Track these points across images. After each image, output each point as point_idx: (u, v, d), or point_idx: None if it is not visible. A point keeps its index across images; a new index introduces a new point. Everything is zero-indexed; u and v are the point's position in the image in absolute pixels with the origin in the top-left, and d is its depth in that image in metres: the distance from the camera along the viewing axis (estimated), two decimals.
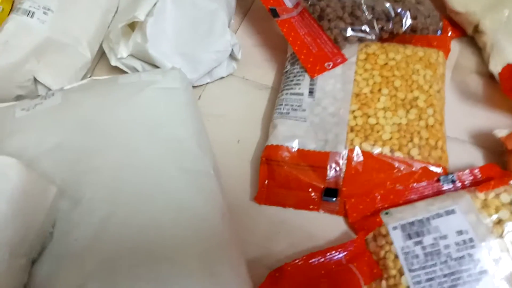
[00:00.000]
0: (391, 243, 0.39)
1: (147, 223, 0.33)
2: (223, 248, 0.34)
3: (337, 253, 0.39)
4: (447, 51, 0.50)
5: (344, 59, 0.46)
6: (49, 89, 0.47)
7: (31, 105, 0.39)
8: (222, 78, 0.53)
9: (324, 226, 0.43)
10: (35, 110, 0.38)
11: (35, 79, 0.48)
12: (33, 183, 0.29)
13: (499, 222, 0.37)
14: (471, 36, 0.53)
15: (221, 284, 0.32)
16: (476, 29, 0.51)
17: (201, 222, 0.34)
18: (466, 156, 0.45)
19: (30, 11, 0.48)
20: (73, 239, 0.31)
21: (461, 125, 0.47)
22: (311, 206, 0.43)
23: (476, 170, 0.42)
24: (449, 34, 0.52)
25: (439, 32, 0.52)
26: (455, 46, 0.53)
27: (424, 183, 0.42)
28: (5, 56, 0.46)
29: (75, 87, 0.41)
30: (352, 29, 0.47)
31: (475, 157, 0.45)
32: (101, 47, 0.52)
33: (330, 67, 0.46)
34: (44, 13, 0.48)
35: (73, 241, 0.31)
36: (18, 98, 0.47)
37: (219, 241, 0.34)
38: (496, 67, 0.48)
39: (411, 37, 0.50)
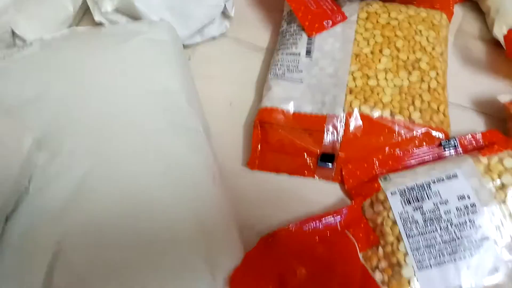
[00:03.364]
0: (389, 209, 0.37)
1: (132, 179, 0.31)
2: (214, 208, 0.31)
3: (332, 218, 0.38)
4: (450, 14, 0.47)
5: (344, 17, 0.44)
6: None
7: (7, 53, 0.36)
8: (213, 38, 0.50)
9: (319, 193, 0.41)
10: (12, 59, 0.35)
11: (13, 32, 0.45)
12: (7, 130, 0.27)
13: (502, 187, 0.36)
14: (474, 0, 0.51)
15: (212, 246, 0.30)
16: None
17: (191, 180, 0.32)
18: (467, 123, 0.44)
19: None
20: (51, 193, 0.28)
21: (463, 91, 0.46)
22: (306, 172, 0.41)
23: (478, 135, 0.40)
24: None
25: None
26: (458, 11, 0.51)
27: (424, 148, 0.40)
28: None
29: (56, 36, 0.38)
30: None
31: (477, 124, 0.44)
32: (85, 1, 0.49)
33: (329, 25, 0.43)
34: None
35: (50, 196, 0.28)
36: None
37: (210, 201, 0.32)
38: (501, 31, 0.46)
39: None
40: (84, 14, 0.51)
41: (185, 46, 0.48)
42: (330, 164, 0.41)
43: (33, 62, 0.35)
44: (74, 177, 0.30)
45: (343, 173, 0.41)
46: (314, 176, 0.41)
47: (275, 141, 0.42)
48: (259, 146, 0.42)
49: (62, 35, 0.38)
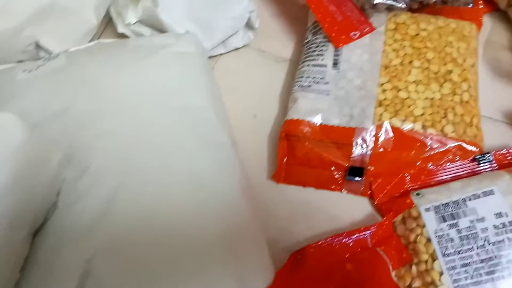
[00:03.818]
0: (423, 226, 0.36)
1: (160, 196, 0.30)
2: (244, 226, 0.30)
3: (363, 235, 0.36)
4: (479, 25, 0.46)
5: (372, 28, 0.43)
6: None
7: (33, 66, 0.35)
8: (237, 49, 0.49)
9: (347, 208, 0.40)
10: (38, 72, 0.35)
11: (37, 45, 0.45)
12: (37, 145, 0.26)
13: None
14: (503, 11, 0.50)
15: (242, 266, 0.29)
16: (510, 2, 0.48)
17: (220, 197, 0.31)
18: (499, 136, 0.42)
19: None
20: (80, 210, 0.28)
21: (493, 103, 0.44)
22: (333, 186, 0.40)
23: None
24: (481, 7, 0.49)
25: (470, 5, 0.48)
26: (487, 22, 0.50)
27: (458, 163, 0.39)
28: (4, 21, 0.42)
29: (81, 49, 0.37)
30: None
31: (509, 137, 0.43)
32: (108, 12, 0.49)
33: (356, 36, 0.43)
34: None
35: (79, 212, 0.28)
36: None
37: (241, 217, 0.31)
38: None
39: (442, 8, 0.46)
40: (107, 25, 0.51)
41: (209, 57, 0.48)
42: (358, 178, 0.40)
43: (59, 75, 0.34)
44: (103, 194, 0.29)
45: (372, 187, 0.40)
46: (342, 190, 0.40)
47: (302, 154, 0.41)
48: (285, 159, 0.41)
49: (88, 48, 0.37)
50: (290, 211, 0.40)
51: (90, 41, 0.48)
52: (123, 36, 0.48)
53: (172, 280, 0.28)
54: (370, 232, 0.36)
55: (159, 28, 0.46)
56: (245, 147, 0.42)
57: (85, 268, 0.26)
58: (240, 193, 0.33)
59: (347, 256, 0.36)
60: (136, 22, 0.46)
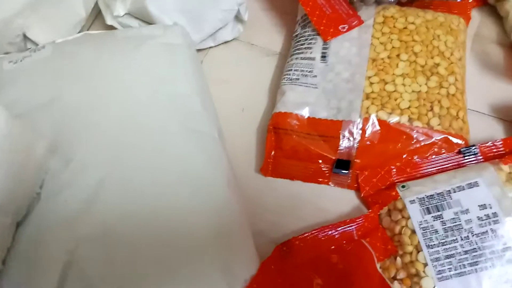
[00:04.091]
0: (407, 218, 0.36)
1: (147, 185, 0.30)
2: (231, 217, 0.31)
3: (349, 227, 0.37)
4: (467, 19, 0.47)
5: (360, 22, 0.43)
6: None
7: (19, 57, 0.35)
8: (226, 42, 0.49)
9: (335, 200, 0.40)
10: (24, 63, 0.35)
11: (24, 36, 0.44)
12: (22, 135, 0.26)
13: None
14: (492, 5, 0.50)
15: (228, 256, 0.29)
16: None
17: (206, 187, 0.31)
18: (486, 129, 0.43)
19: None
20: (63, 200, 0.28)
21: (481, 97, 0.44)
22: (320, 179, 0.41)
23: (499, 143, 0.39)
24: (470, 1, 0.49)
25: None
26: (475, 16, 0.50)
27: (443, 156, 0.39)
28: None
29: (68, 40, 0.37)
30: None
31: (496, 130, 0.43)
32: (96, 4, 0.48)
33: (345, 29, 0.43)
34: None
35: (63, 203, 0.28)
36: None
37: (226, 208, 0.31)
38: None
39: (430, 2, 0.47)
40: (96, 18, 0.51)
41: (197, 50, 0.48)
42: (345, 170, 0.40)
43: (46, 66, 0.34)
44: (87, 185, 0.29)
45: (359, 180, 0.40)
46: (329, 183, 0.41)
47: (289, 147, 0.41)
48: (272, 152, 0.42)
49: (75, 39, 0.37)
50: (278, 204, 0.40)
51: (79, 33, 0.48)
52: (111, 28, 0.47)
53: (157, 272, 0.28)
54: (356, 225, 0.37)
55: (148, 20, 0.45)
56: (234, 140, 0.42)
57: (68, 259, 0.26)
58: (226, 184, 0.33)
59: (332, 248, 0.36)
60: (124, 14, 0.46)
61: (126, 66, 0.34)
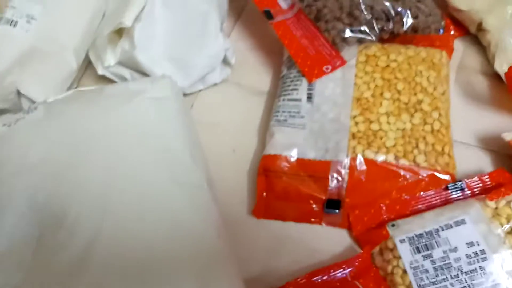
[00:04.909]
0: (398, 258, 0.36)
1: (138, 242, 0.31)
2: (220, 267, 0.31)
3: (341, 269, 0.37)
4: (450, 51, 0.47)
5: (343, 62, 0.44)
6: (33, 101, 0.45)
7: (13, 120, 0.37)
8: (215, 84, 0.50)
9: (328, 240, 0.40)
10: (17, 125, 0.36)
11: (18, 92, 0.46)
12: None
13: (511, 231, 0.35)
14: (474, 34, 0.51)
15: None
16: (480, 27, 0.49)
17: (196, 239, 0.32)
18: (474, 161, 0.43)
19: (12, 20, 0.45)
20: (57, 262, 0.29)
21: (467, 128, 0.45)
22: (312, 219, 0.41)
23: (486, 177, 0.39)
24: (452, 33, 0.50)
25: (441, 31, 0.49)
26: (459, 46, 0.51)
27: (431, 192, 0.39)
28: None
29: (59, 99, 0.38)
30: (351, 30, 0.44)
31: (483, 162, 0.43)
32: (87, 55, 0.50)
33: (328, 70, 0.44)
34: (28, 21, 0.46)
35: (56, 265, 0.28)
36: (2, 112, 0.44)
37: (216, 259, 0.31)
38: (501, 67, 0.46)
39: (413, 37, 0.47)
40: (87, 68, 0.52)
41: (187, 94, 0.49)
42: (336, 210, 0.40)
43: (38, 127, 0.36)
44: (79, 245, 0.30)
45: (350, 219, 0.40)
46: (321, 223, 0.41)
47: (280, 189, 0.42)
48: (264, 194, 0.42)
49: (66, 98, 0.39)
50: (271, 246, 0.41)
51: (71, 84, 0.49)
52: (103, 78, 0.49)
53: None
54: (348, 268, 0.37)
55: (138, 69, 0.47)
56: (225, 182, 0.43)
57: None
58: (215, 234, 0.33)
59: None
60: (115, 64, 0.48)
61: (114, 123, 0.35)
